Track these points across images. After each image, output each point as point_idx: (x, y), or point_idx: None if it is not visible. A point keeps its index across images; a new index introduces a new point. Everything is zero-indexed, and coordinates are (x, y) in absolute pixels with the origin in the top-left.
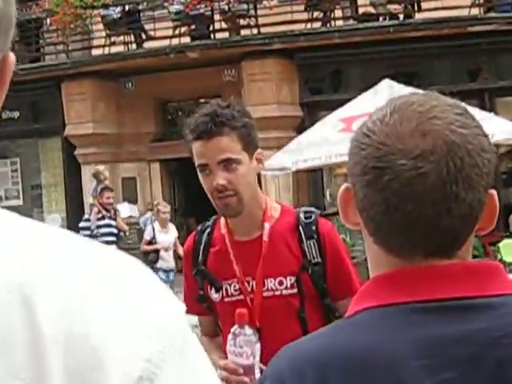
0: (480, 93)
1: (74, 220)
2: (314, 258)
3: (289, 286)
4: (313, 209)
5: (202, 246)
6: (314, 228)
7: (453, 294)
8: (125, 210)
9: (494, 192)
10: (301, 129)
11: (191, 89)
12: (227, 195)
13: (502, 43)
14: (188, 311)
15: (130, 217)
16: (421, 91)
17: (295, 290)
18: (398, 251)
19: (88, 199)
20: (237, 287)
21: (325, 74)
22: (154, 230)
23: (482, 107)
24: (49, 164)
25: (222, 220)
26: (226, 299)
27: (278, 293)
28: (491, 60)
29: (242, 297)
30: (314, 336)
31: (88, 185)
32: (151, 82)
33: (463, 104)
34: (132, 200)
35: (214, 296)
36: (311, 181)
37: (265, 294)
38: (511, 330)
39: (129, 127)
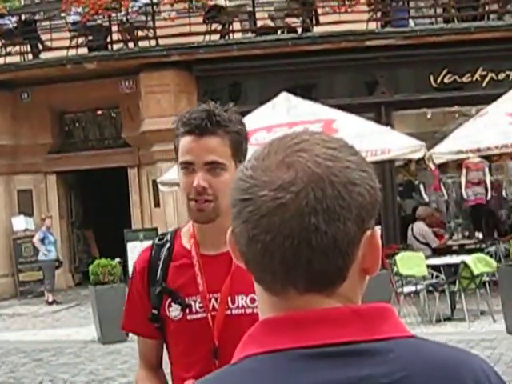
0: (377, 106)
1: None
2: None
3: None
4: None
5: (161, 262)
6: None
7: (338, 338)
8: (20, 222)
9: (374, 230)
10: None
11: (88, 100)
12: (205, 199)
13: (399, 57)
14: (135, 331)
15: (26, 230)
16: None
17: None
18: (269, 287)
19: None
20: (201, 304)
21: (223, 87)
22: None
23: (379, 120)
24: None
25: (185, 232)
26: (189, 317)
27: (249, 311)
28: (388, 74)
29: (204, 314)
30: (208, 379)
31: None
32: (48, 92)
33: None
34: (28, 213)
35: (174, 314)
36: None
37: (234, 312)
38: (398, 377)
39: (25, 138)
